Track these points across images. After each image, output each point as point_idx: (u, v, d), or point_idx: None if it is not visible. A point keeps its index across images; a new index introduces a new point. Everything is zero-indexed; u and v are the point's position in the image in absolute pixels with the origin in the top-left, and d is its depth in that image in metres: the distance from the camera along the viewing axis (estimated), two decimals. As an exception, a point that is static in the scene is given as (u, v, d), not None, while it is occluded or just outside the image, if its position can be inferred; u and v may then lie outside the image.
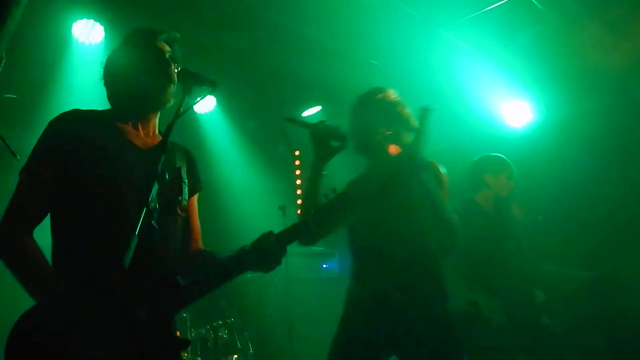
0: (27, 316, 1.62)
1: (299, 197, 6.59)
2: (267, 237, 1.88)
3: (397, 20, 4.15)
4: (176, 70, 1.93)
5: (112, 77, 1.97)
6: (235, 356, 4.45)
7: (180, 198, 1.92)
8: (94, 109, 1.94)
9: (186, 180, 1.99)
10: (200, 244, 2.11)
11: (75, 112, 1.85)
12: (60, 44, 4.12)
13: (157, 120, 2.03)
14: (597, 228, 4.04)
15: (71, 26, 4.02)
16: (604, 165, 4.16)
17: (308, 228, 1.91)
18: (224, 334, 4.50)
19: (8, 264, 1.67)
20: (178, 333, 4.19)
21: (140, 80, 1.90)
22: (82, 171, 1.73)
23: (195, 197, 2.12)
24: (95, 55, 4.05)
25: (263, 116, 5.93)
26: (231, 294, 4.87)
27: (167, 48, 1.98)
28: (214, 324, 4.50)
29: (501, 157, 3.66)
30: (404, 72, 4.61)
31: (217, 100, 5.31)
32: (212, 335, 4.46)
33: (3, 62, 1.08)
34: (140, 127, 1.96)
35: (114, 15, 3.89)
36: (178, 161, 2.00)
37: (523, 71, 4.56)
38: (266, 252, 1.86)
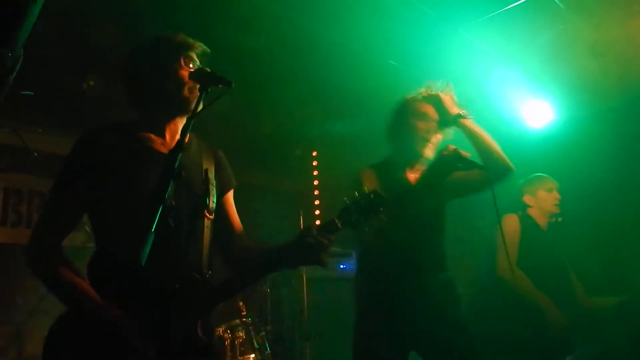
0: (59, 320, 1.75)
1: (316, 197, 6.58)
2: (307, 232, 1.87)
3: (415, 20, 4.12)
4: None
5: (135, 86, 1.98)
6: (252, 356, 4.45)
7: (207, 200, 1.93)
8: (117, 121, 1.97)
9: (214, 182, 2.00)
10: (243, 240, 2.10)
11: (98, 130, 1.90)
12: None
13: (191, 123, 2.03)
14: (620, 230, 3.97)
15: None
16: (626, 166, 4.08)
17: (336, 227, 1.89)
18: (241, 334, 4.51)
19: (41, 278, 1.78)
20: (220, 330, 4.29)
21: (162, 87, 1.91)
22: (107, 186, 1.79)
23: (230, 195, 2.12)
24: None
25: (280, 117, 5.94)
26: (248, 294, 4.88)
27: (196, 59, 1.97)
28: (231, 324, 4.51)
29: (537, 175, 3.71)
30: (423, 72, 4.56)
31: (234, 101, 5.33)
32: (229, 335, 4.48)
33: (21, 59, 1.09)
34: (167, 134, 1.97)
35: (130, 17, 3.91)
36: (205, 162, 2.01)
37: (543, 71, 4.50)
38: (308, 247, 1.85)
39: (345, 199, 1.93)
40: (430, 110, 2.78)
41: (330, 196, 6.29)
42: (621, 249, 3.91)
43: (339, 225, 1.89)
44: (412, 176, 2.77)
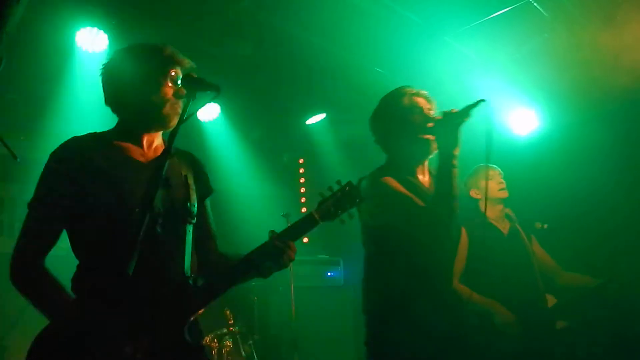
0: (45, 329, 1.72)
1: (302, 204, 6.57)
2: (271, 235, 1.89)
3: (402, 28, 4.15)
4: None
5: (116, 91, 1.95)
6: (240, 365, 4.42)
7: (188, 204, 1.93)
8: (94, 131, 1.96)
9: (194, 187, 2.00)
10: (216, 248, 2.11)
11: (74, 140, 1.88)
12: (64, 51, 4.11)
13: (161, 136, 2.02)
14: (605, 236, 4.00)
15: (75, 34, 3.99)
16: (610, 173, 4.12)
17: (314, 221, 1.91)
18: (228, 343, 4.48)
19: (23, 293, 1.76)
20: (207, 339, 4.19)
21: (148, 101, 1.89)
22: (86, 196, 1.77)
23: (208, 202, 2.12)
24: (99, 64, 4.05)
25: (267, 124, 5.93)
26: (235, 303, 4.84)
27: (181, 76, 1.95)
28: (218, 333, 4.47)
29: (476, 167, 3.70)
30: (409, 79, 4.59)
31: (221, 108, 5.31)
32: (217, 344, 4.44)
33: (3, 62, 1.07)
34: (144, 144, 1.95)
35: (118, 23, 3.89)
36: (184, 168, 2.01)
37: (528, 78, 4.54)
38: (271, 251, 1.86)
39: (321, 192, 1.95)
40: (424, 102, 2.61)
41: (317, 202, 6.27)
42: (608, 253, 3.93)
43: (318, 218, 1.91)
44: (424, 179, 2.65)
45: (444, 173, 2.38)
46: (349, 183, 1.96)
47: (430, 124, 2.47)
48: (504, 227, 3.56)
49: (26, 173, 4.57)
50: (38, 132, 4.58)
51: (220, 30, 4.02)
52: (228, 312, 4.62)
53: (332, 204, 1.92)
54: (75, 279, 1.81)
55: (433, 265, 2.50)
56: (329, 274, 6.06)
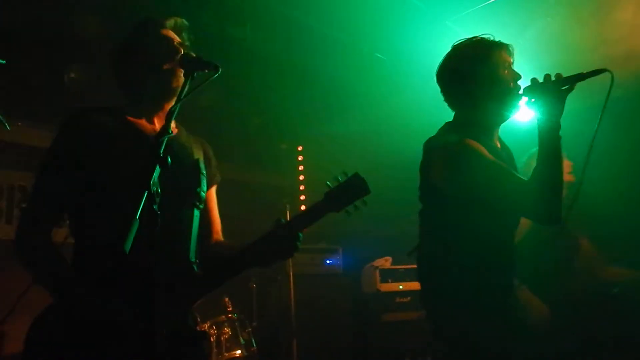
0: (39, 318, 1.71)
1: (302, 192, 6.54)
2: (276, 224, 1.85)
3: (402, 12, 4.11)
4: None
5: (121, 70, 1.95)
6: (239, 352, 4.41)
7: (198, 189, 1.93)
8: (106, 105, 1.93)
9: (204, 172, 1.99)
10: (220, 236, 2.10)
11: (86, 112, 1.85)
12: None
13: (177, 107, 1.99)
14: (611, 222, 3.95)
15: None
16: (615, 158, 4.09)
17: (319, 212, 1.87)
18: (227, 330, 4.47)
19: (26, 267, 1.74)
20: (206, 326, 4.19)
21: (149, 71, 1.88)
22: (94, 170, 1.75)
23: (214, 189, 2.12)
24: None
25: (266, 111, 5.89)
26: (234, 290, 4.83)
27: (174, 35, 1.95)
28: (217, 320, 4.46)
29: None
30: (410, 65, 4.56)
31: (219, 94, 5.26)
32: (215, 331, 4.43)
33: None
34: (155, 120, 1.94)
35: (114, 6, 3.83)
36: (195, 153, 2.00)
37: (530, 63, 4.49)
38: (276, 241, 1.83)
39: (328, 182, 1.90)
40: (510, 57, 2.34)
41: (315, 190, 6.25)
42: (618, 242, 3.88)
43: (324, 209, 1.87)
44: (497, 144, 2.38)
45: (551, 144, 2.07)
46: (356, 174, 1.91)
47: (527, 86, 2.17)
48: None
49: (24, 159, 4.59)
50: (36, 118, 4.54)
51: (219, 13, 3.96)
52: (227, 299, 4.61)
53: (339, 195, 1.87)
54: (75, 258, 1.79)
55: (509, 246, 2.28)
56: (327, 261, 6.05)
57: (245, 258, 1.85)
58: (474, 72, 2.28)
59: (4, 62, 2.07)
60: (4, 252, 3.98)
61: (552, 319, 3.10)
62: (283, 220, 1.87)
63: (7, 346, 3.86)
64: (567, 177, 3.35)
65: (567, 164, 3.41)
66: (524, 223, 3.03)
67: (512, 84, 2.29)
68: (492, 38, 2.36)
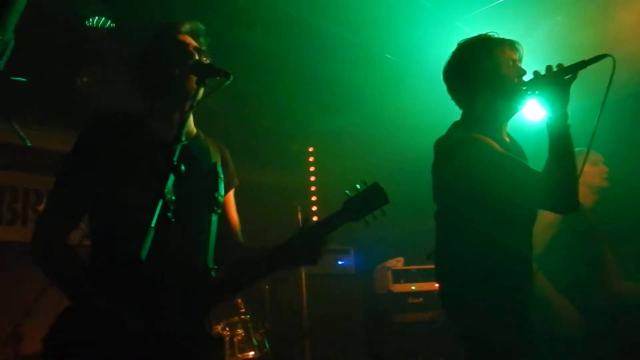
0: (59, 319, 1.72)
1: (313, 193, 6.56)
2: (297, 232, 1.85)
3: (411, 13, 4.09)
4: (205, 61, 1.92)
5: (139, 75, 1.97)
6: (252, 353, 4.43)
7: (216, 194, 1.94)
8: (127, 110, 1.96)
9: (222, 176, 2.00)
10: (240, 238, 2.10)
11: (105, 117, 1.89)
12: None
13: (191, 115, 1.99)
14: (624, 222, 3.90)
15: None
16: (627, 156, 4.05)
17: (339, 222, 1.86)
18: (240, 331, 4.49)
19: (42, 270, 1.75)
20: (219, 327, 4.21)
21: (163, 77, 1.89)
22: (112, 175, 1.77)
23: (232, 193, 2.12)
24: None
25: (276, 113, 5.91)
26: (247, 291, 4.85)
27: (191, 40, 1.96)
28: (230, 321, 4.49)
29: (578, 150, 3.56)
30: (420, 65, 4.55)
31: (229, 97, 5.29)
32: (228, 332, 4.46)
33: (12, 43, 1.05)
34: (172, 125, 1.92)
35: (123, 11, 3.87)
36: (213, 156, 2.01)
37: (541, 62, 4.47)
38: (303, 247, 1.84)
39: (347, 191, 1.89)
40: (515, 53, 2.34)
41: (326, 192, 6.27)
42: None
43: (344, 219, 1.86)
44: (507, 139, 2.39)
45: (560, 133, 2.06)
46: (375, 184, 1.89)
47: (529, 79, 2.18)
48: (592, 220, 3.29)
49: (39, 162, 4.64)
50: (50, 121, 4.60)
51: (228, 16, 3.98)
52: (240, 300, 4.64)
53: (358, 205, 1.86)
54: (91, 263, 1.81)
55: (522, 242, 2.26)
56: (339, 262, 6.07)
57: (271, 263, 1.85)
58: (477, 69, 2.32)
59: (24, 79, 2.12)
60: (19, 254, 4.06)
61: (585, 324, 3.02)
62: (304, 227, 1.87)
63: (24, 348, 3.91)
64: (602, 182, 3.30)
65: (602, 170, 3.34)
66: (551, 224, 3.02)
67: (516, 79, 2.29)
68: (496, 35, 2.39)
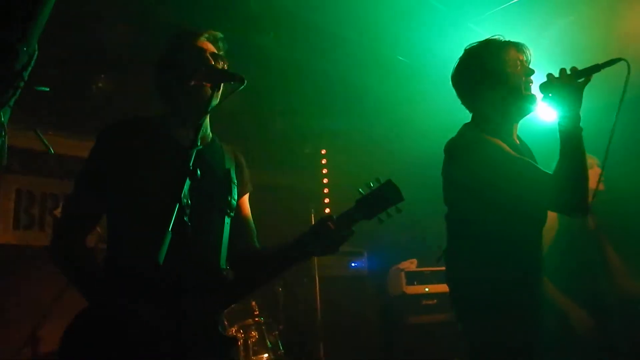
0: (76, 320, 1.75)
1: (326, 195, 6.56)
2: (326, 220, 1.84)
3: (424, 15, 4.10)
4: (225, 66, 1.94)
5: (157, 81, 2.00)
6: (266, 355, 4.44)
7: (229, 198, 1.95)
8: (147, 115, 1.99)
9: (235, 181, 2.02)
10: (255, 243, 2.11)
11: (125, 122, 1.92)
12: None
13: (207, 120, 2.01)
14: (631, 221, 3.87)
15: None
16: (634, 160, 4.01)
17: (351, 220, 1.85)
18: (254, 333, 4.51)
19: (62, 272, 1.81)
20: (233, 330, 4.22)
21: (179, 82, 1.91)
22: (130, 180, 1.80)
23: (246, 197, 2.14)
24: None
25: (289, 116, 5.93)
26: (261, 294, 4.87)
27: (209, 45, 1.98)
28: (244, 324, 4.51)
29: None
30: (432, 67, 4.54)
31: (243, 100, 5.32)
32: (242, 335, 4.47)
33: (36, 54, 1.08)
34: (189, 130, 1.92)
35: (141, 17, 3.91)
36: (227, 162, 2.03)
37: (554, 63, 4.45)
38: (325, 234, 1.82)
39: (360, 189, 1.87)
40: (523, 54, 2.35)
41: (340, 194, 6.28)
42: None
43: (357, 217, 1.84)
44: (517, 141, 2.39)
45: (572, 136, 2.07)
46: (389, 181, 1.88)
47: (543, 82, 2.17)
48: (592, 221, 3.32)
49: (56, 167, 4.70)
50: (68, 127, 4.65)
51: (241, 20, 4.01)
52: (253, 303, 4.65)
53: (371, 203, 1.85)
54: (106, 265, 1.84)
55: (533, 244, 2.26)
56: (353, 264, 6.06)
57: (293, 252, 1.85)
58: (484, 71, 2.33)
59: (47, 89, 2.15)
60: (37, 258, 4.11)
61: (593, 323, 3.05)
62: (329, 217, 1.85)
63: (42, 350, 3.96)
64: (597, 185, 3.31)
65: (596, 172, 3.35)
66: (551, 227, 3.02)
67: (524, 79, 2.31)
68: (502, 39, 2.41)
